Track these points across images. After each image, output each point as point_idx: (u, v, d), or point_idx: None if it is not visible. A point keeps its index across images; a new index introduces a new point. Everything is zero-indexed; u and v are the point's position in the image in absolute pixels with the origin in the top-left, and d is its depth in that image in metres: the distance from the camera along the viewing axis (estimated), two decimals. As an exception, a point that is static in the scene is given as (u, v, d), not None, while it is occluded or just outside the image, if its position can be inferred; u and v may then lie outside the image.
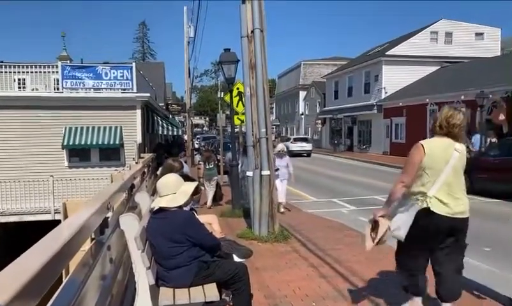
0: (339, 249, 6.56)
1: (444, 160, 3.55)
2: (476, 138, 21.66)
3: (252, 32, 6.89)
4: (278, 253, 6.32)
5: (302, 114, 49.87)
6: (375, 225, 3.71)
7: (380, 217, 3.69)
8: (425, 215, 3.50)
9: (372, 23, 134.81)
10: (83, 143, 15.44)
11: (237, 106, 13.32)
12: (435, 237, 3.59)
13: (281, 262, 5.90)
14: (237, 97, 13.22)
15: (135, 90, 16.36)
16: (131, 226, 3.31)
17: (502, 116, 20.02)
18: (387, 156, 28.78)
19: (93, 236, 2.95)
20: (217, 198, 11.20)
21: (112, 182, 5.77)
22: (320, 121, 42.23)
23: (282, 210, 9.92)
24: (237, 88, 13.00)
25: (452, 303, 3.78)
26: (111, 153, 15.95)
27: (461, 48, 32.46)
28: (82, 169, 15.84)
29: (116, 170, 15.43)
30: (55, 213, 14.56)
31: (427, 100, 26.17)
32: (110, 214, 3.52)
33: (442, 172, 3.53)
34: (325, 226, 8.11)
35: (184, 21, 25.71)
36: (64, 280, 2.13)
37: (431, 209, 3.48)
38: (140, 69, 26.14)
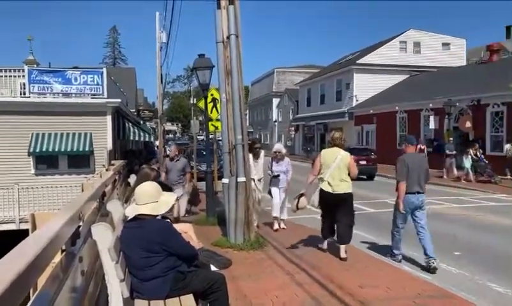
0: (315, 256, 6.55)
1: (331, 160, 6.27)
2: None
3: (228, 37, 6.84)
4: (254, 261, 6.24)
5: (275, 121, 50.09)
6: (299, 198, 6.60)
7: (302, 193, 6.62)
8: (322, 191, 6.31)
9: (343, 33, 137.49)
10: (50, 149, 14.92)
11: (211, 113, 13.22)
12: (328, 204, 6.36)
13: (257, 270, 5.83)
14: (211, 104, 13.12)
15: (105, 96, 15.97)
16: (104, 236, 3.16)
17: (468, 124, 20.74)
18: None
19: (63, 248, 2.80)
20: (195, 202, 10.80)
21: (82, 190, 5.56)
22: (293, 128, 42.53)
23: (276, 226, 8.48)
24: (211, 94, 12.90)
25: (345, 245, 6.35)
26: (80, 161, 15.48)
27: (429, 57, 33.47)
28: (50, 177, 15.28)
29: (86, 178, 14.98)
30: (20, 222, 13.98)
31: (396, 108, 26.78)
32: (81, 223, 3.37)
33: (329, 167, 6.23)
34: (300, 233, 8.09)
35: (156, 26, 25.39)
36: (32, 298, 1.98)
37: (322, 188, 6.27)
38: (110, 74, 25.51)
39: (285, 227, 8.70)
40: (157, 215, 3.34)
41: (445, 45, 34.52)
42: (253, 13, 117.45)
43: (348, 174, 6.27)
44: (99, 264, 3.45)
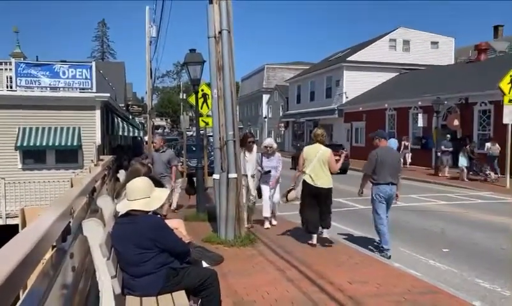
0: (305, 251, 6.57)
1: (313, 156, 6.85)
2: (391, 141, 22.97)
3: (220, 32, 6.79)
4: (245, 257, 6.24)
5: (265, 117, 50.09)
6: (288, 192, 7.21)
7: (292, 188, 7.16)
8: (304, 183, 6.85)
9: (333, 30, 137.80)
10: (38, 144, 14.72)
11: (201, 108, 13.15)
12: (309, 196, 6.83)
13: (248, 266, 5.83)
14: (202, 99, 13.05)
15: (94, 90, 15.80)
16: (96, 232, 3.12)
17: (456, 122, 20.99)
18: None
19: (54, 244, 2.76)
20: (192, 192, 10.67)
21: (72, 186, 5.49)
22: (282, 124, 42.60)
23: (267, 225, 8.29)
24: (202, 90, 12.83)
25: (327, 229, 7.06)
26: (68, 155, 15.29)
27: (418, 55, 33.74)
28: (37, 172, 15.08)
29: (74, 172, 14.83)
30: (6, 218, 13.79)
31: (386, 105, 26.97)
32: (71, 219, 3.32)
33: (311, 162, 6.80)
34: (291, 229, 8.11)
35: (146, 21, 25.14)
36: (22, 296, 1.94)
37: (305, 180, 6.82)
38: (99, 68, 25.30)
39: (275, 223, 8.59)
40: (149, 211, 3.31)
41: (434, 44, 34.83)
42: (244, 9, 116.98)
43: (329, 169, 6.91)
44: (89, 260, 3.42)
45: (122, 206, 3.34)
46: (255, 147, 8.17)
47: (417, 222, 9.57)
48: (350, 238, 7.94)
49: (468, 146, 17.55)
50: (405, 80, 30.44)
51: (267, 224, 8.35)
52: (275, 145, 8.45)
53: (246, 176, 7.78)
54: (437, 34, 35.38)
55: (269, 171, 8.08)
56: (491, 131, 19.35)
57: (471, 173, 17.47)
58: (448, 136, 19.73)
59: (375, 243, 7.06)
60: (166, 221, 4.35)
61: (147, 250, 3.13)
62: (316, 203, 6.80)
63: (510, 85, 15.17)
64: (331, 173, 6.87)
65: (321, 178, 6.74)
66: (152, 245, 3.13)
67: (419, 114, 23.40)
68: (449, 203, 12.28)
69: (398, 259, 6.53)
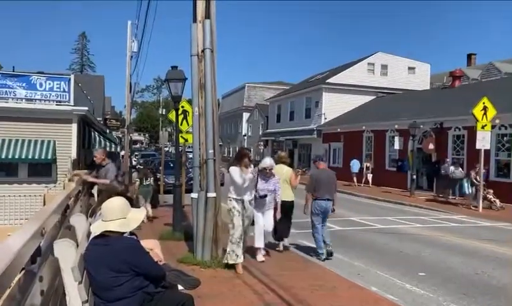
0: (284, 275, 6.49)
1: (280, 174, 7.75)
2: (354, 162, 25.29)
3: (203, 51, 6.78)
4: (222, 279, 6.12)
5: (245, 135, 50.16)
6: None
7: None
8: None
9: (314, 51, 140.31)
10: (10, 156, 14.25)
11: (181, 125, 13.06)
12: (282, 209, 7.54)
13: (225, 289, 5.71)
14: (182, 116, 12.98)
15: (71, 103, 15.51)
16: (68, 254, 3.01)
17: (431, 146, 21.43)
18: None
19: (23, 266, 2.62)
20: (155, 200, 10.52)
21: (44, 203, 5.31)
22: (262, 143, 42.70)
23: (260, 258, 7.24)
24: (182, 106, 12.77)
25: (287, 238, 8.20)
26: (42, 169, 14.86)
27: (395, 80, 34.58)
28: (8, 185, 14.58)
29: (47, 187, 14.43)
30: (-27, 232, 13.22)
31: (363, 127, 27.40)
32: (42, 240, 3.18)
33: (280, 179, 7.63)
34: (270, 250, 8.02)
35: (128, 35, 25.05)
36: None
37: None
38: (78, 81, 24.90)
39: (264, 253, 7.46)
40: (125, 232, 3.20)
41: (411, 69, 35.80)
42: (227, 28, 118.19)
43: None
44: (59, 282, 3.27)
45: (97, 227, 3.22)
46: (251, 168, 6.86)
47: (394, 245, 9.63)
48: (329, 260, 7.90)
49: (473, 172, 16.39)
50: (383, 103, 31.07)
51: (260, 256, 7.27)
52: (274, 165, 7.57)
53: (242, 201, 6.62)
54: (414, 59, 36.42)
55: (265, 196, 7.15)
56: (465, 155, 19.84)
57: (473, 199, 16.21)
58: (448, 160, 19.11)
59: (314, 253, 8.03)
60: (142, 241, 4.23)
61: (121, 274, 3.01)
62: (283, 214, 7.69)
63: (483, 112, 15.65)
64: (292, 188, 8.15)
65: (284, 192, 7.79)
66: (127, 268, 3.02)
67: (396, 137, 23.83)
68: (424, 225, 12.44)
69: (375, 282, 6.53)
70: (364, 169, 24.92)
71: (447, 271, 7.44)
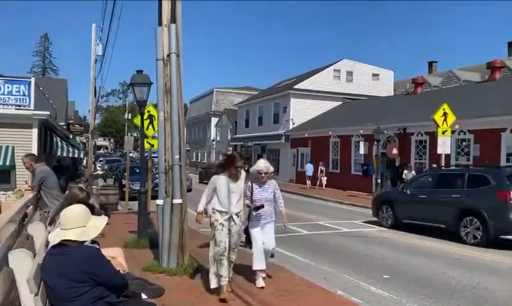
0: (250, 279, 6.46)
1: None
2: (308, 166, 26.78)
3: (168, 55, 6.70)
4: (188, 287, 6.01)
5: (213, 140, 49.96)
6: None
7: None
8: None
9: (281, 58, 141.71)
10: (-35, 162, 13.58)
11: (147, 130, 12.86)
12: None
13: (191, 297, 5.62)
14: (148, 120, 12.78)
15: (32, 107, 14.94)
16: (24, 265, 2.87)
17: (395, 151, 22.03)
18: (293, 184, 29.88)
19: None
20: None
21: (0, 211, 5.08)
22: (231, 148, 42.60)
23: (261, 283, 6.06)
24: (148, 111, 12.58)
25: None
26: (0, 176, 14.22)
27: (360, 86, 35.40)
28: (-38, 193, 13.85)
29: (5, 194, 13.81)
30: None
31: (330, 133, 27.88)
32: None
33: None
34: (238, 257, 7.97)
35: (92, 38, 24.49)
36: None
37: None
38: (39, 84, 24.10)
39: (264, 276, 6.25)
40: (82, 242, 3.08)
41: (375, 76, 36.75)
42: (194, 31, 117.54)
43: None
44: (15, 295, 3.12)
45: (55, 236, 3.08)
46: (243, 174, 5.78)
47: (360, 248, 9.80)
48: (295, 264, 7.94)
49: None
50: (348, 109, 31.71)
51: (260, 281, 6.06)
52: (272, 169, 6.25)
53: (226, 213, 5.56)
54: (378, 66, 37.40)
55: (261, 206, 5.99)
56: (427, 160, 20.51)
57: None
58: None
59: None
60: (104, 250, 4.10)
61: (81, 284, 2.90)
62: None
63: (443, 117, 16.22)
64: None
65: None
66: (87, 278, 2.91)
67: (361, 142, 24.37)
68: (387, 228, 12.71)
69: (341, 286, 6.61)
70: (319, 172, 26.41)
71: (410, 273, 7.63)
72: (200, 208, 5.69)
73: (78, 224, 3.04)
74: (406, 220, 12.34)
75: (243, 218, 5.94)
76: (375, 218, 13.56)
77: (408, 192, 12.58)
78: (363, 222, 13.98)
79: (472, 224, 10.35)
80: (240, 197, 5.72)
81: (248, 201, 6.05)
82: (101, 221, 3.21)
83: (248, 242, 6.12)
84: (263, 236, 6.08)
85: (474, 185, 10.72)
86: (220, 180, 5.60)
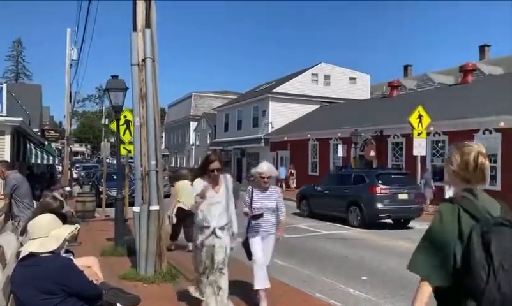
0: (230, 286, 6.42)
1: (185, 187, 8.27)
2: (281, 170, 27.61)
3: (143, 60, 6.63)
4: (166, 295, 5.94)
5: (192, 144, 49.66)
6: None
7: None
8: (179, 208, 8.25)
9: (259, 62, 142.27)
10: None
11: (123, 135, 12.68)
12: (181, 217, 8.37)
13: (168, 304, 5.55)
14: (124, 126, 12.61)
15: (4, 114, 14.55)
16: (-9, 278, 2.78)
17: (372, 153, 22.37)
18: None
19: None
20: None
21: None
22: (210, 152, 42.48)
23: (265, 304, 5.32)
24: (125, 116, 12.41)
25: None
26: (-30, 184, 13.78)
27: (338, 89, 35.81)
28: None
29: (-24, 204, 13.38)
30: None
31: (309, 136, 28.10)
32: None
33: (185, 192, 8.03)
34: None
35: (67, 43, 24.13)
36: None
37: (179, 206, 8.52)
38: (12, 90, 23.49)
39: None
40: (53, 251, 2.99)
41: (352, 79, 37.25)
42: (169, 35, 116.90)
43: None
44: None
45: (24, 246, 3.00)
46: (226, 179, 5.02)
47: (338, 250, 9.88)
48: (274, 268, 7.93)
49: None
50: (326, 112, 32.05)
51: (264, 304, 5.33)
52: (276, 172, 5.79)
53: (207, 228, 4.81)
54: (355, 70, 37.94)
55: (261, 215, 5.28)
56: (404, 161, 20.87)
57: None
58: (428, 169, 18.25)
59: None
60: (79, 259, 4.03)
61: (52, 296, 2.83)
62: (186, 221, 8.62)
63: (418, 120, 16.57)
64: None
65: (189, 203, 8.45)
66: (58, 289, 2.83)
67: (339, 145, 24.65)
68: (366, 230, 12.87)
69: (320, 289, 6.65)
70: (289, 174, 28.14)
71: (387, 274, 7.74)
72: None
73: (41, 234, 2.96)
74: (317, 210, 15.35)
75: (236, 230, 5.03)
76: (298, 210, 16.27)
77: (318, 189, 15.74)
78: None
79: (355, 211, 13.60)
80: (225, 208, 4.87)
81: (246, 209, 5.37)
82: (64, 230, 3.11)
83: (249, 257, 5.42)
84: (266, 249, 5.44)
85: (357, 182, 14.10)
86: (196, 185, 4.88)
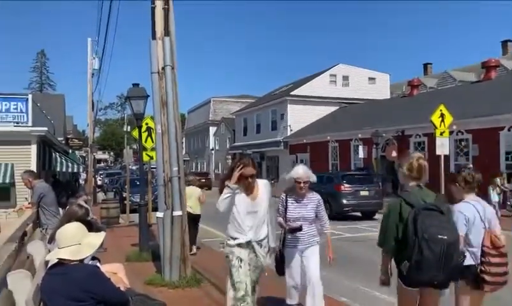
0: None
1: (190, 194, 9.14)
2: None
3: (163, 68, 6.72)
4: (191, 300, 5.99)
5: (212, 149, 49.97)
6: None
7: None
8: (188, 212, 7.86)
9: (277, 65, 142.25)
10: (-36, 182, 13.57)
11: (145, 142, 12.85)
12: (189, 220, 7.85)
13: (194, 309, 5.59)
14: (146, 133, 12.77)
15: (30, 124, 14.97)
16: (22, 286, 2.87)
17: (394, 153, 22.04)
18: (294, 191, 29.85)
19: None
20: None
21: (-1, 231, 5.08)
22: (230, 156, 42.63)
23: None
24: (146, 123, 12.57)
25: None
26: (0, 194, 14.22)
27: (357, 90, 35.50)
28: (-37, 212, 13.84)
29: (5, 212, 13.80)
30: None
31: (328, 137, 27.90)
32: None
33: (191, 198, 9.16)
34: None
35: (88, 53, 24.61)
36: None
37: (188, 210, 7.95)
38: (37, 101, 24.17)
39: None
40: (81, 260, 3.06)
41: (371, 79, 36.87)
42: (189, 43, 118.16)
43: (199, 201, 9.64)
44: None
45: (52, 255, 3.07)
46: (262, 185, 4.17)
47: (363, 253, 9.77)
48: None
49: (499, 178, 15.11)
50: (346, 114, 31.78)
51: None
52: (313, 177, 4.81)
53: (248, 244, 4.05)
54: (374, 70, 37.54)
55: (299, 228, 4.60)
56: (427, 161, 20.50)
57: (505, 209, 15.15)
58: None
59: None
60: (105, 265, 4.09)
61: (80, 303, 2.88)
62: (193, 224, 9.16)
63: (440, 119, 16.24)
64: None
65: (197, 207, 9.61)
66: (87, 297, 2.89)
67: (360, 146, 24.39)
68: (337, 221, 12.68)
69: (345, 292, 6.58)
70: None
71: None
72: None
73: (73, 242, 3.02)
74: None
75: (273, 244, 4.30)
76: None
77: None
78: (365, 226, 13.95)
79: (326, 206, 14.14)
80: (263, 220, 4.13)
81: (280, 219, 4.73)
82: (97, 238, 3.19)
83: (280, 272, 4.88)
84: (306, 265, 4.77)
85: (328, 182, 16.32)
86: (236, 195, 4.01)
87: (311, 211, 4.76)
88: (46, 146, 16.42)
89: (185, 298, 6.07)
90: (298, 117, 33.11)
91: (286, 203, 4.77)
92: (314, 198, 4.83)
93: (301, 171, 4.71)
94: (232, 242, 4.08)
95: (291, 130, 33.15)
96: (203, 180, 33.85)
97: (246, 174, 3.97)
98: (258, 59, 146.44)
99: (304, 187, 4.69)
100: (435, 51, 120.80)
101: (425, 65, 45.76)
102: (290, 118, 33.36)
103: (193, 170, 52.20)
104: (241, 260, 4.02)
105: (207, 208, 9.13)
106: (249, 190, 4.07)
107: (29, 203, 7.67)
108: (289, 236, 4.72)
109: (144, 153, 12.61)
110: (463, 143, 18.97)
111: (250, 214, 4.05)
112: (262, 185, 4.17)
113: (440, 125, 16.20)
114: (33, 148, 14.72)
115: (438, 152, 16.18)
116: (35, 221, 6.65)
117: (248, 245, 4.04)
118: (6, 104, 14.77)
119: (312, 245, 4.80)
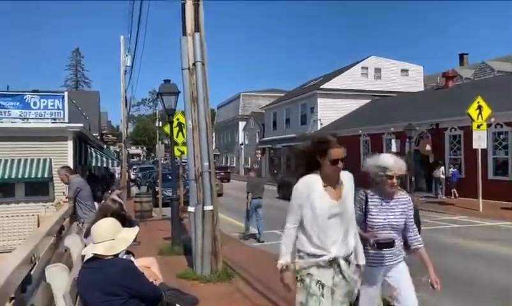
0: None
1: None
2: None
3: (193, 64, 6.76)
4: (222, 295, 6.02)
5: (242, 144, 50.18)
6: None
7: None
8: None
9: (306, 58, 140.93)
10: (6, 176, 14.18)
11: (177, 137, 13.04)
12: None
13: (225, 304, 5.63)
14: (177, 128, 12.96)
15: (66, 120, 15.47)
16: (60, 279, 2.94)
17: (428, 147, 21.45)
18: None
19: (12, 295, 2.56)
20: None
21: (38, 225, 5.24)
22: (259, 151, 42.69)
23: None
24: (177, 119, 12.75)
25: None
26: (38, 188, 14.78)
27: (389, 83, 34.67)
28: (5, 206, 14.49)
29: (44, 206, 14.35)
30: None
31: (360, 131, 27.41)
32: (36, 262, 3.11)
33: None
34: (270, 261, 7.91)
35: (121, 50, 25.16)
36: None
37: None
38: (73, 98, 24.96)
39: None
40: (116, 254, 3.12)
41: (404, 71, 35.93)
42: (217, 38, 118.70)
43: None
44: (54, 307, 3.20)
45: (88, 250, 3.14)
46: (346, 178, 3.03)
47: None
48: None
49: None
50: (378, 107, 31.12)
51: None
52: (404, 169, 3.34)
53: (331, 264, 2.87)
54: (407, 62, 36.57)
55: (391, 244, 3.30)
56: (462, 155, 19.84)
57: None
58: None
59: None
60: (139, 260, 4.16)
61: (115, 297, 2.93)
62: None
63: (477, 111, 15.66)
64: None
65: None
66: (122, 291, 2.94)
67: (392, 140, 23.85)
68: (425, 228, 12.33)
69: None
70: None
71: (486, 284, 7.31)
72: (284, 258, 3.00)
73: (107, 237, 3.08)
74: (288, 195, 18.05)
75: (362, 261, 3.08)
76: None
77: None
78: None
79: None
80: (352, 226, 2.98)
81: (360, 230, 3.27)
82: (130, 233, 3.24)
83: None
84: (402, 290, 3.37)
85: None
86: (311, 190, 2.87)
87: (400, 218, 3.38)
88: (82, 142, 16.92)
89: (217, 292, 6.12)
90: (328, 111, 32.69)
91: (366, 204, 3.38)
92: (403, 199, 3.43)
93: (392, 161, 3.30)
94: (306, 261, 2.88)
95: (321, 124, 32.77)
96: (223, 174, 36.54)
97: (335, 157, 2.83)
98: (287, 53, 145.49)
99: (394, 183, 3.29)
100: (471, 42, 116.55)
101: (461, 56, 44.26)
102: (320, 111, 32.98)
103: (223, 165, 52.66)
104: (323, 286, 2.83)
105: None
106: (335, 180, 2.90)
107: (66, 197, 7.93)
108: (371, 252, 3.29)
109: (175, 148, 12.79)
110: (501, 136, 18.20)
111: (334, 218, 2.84)
112: (347, 178, 3.01)
113: (478, 117, 15.62)
114: (69, 144, 15.22)
115: (475, 146, 15.62)
116: (72, 215, 6.86)
117: (332, 264, 2.84)
118: (44, 102, 15.31)
119: (400, 261, 3.43)
